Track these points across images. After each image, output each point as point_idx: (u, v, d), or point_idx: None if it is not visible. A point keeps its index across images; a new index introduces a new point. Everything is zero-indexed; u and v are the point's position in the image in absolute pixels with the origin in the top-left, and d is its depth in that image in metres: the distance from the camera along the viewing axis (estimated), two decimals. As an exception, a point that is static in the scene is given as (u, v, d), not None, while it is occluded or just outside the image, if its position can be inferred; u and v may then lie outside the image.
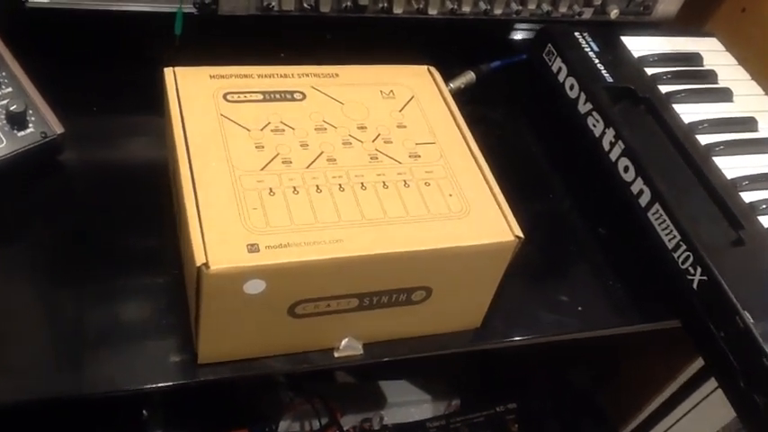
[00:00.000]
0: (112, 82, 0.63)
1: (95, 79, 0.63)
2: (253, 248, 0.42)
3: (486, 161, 0.51)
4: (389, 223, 0.45)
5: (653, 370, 0.87)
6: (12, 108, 0.51)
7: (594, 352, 0.87)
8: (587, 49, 0.70)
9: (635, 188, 0.60)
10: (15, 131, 0.51)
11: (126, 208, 0.55)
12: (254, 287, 0.42)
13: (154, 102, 0.52)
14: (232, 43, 0.62)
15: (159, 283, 0.51)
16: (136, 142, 0.61)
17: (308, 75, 0.54)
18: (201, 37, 0.61)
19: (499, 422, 0.89)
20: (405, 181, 0.48)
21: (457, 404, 1.00)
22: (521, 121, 0.72)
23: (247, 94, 0.51)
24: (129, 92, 0.61)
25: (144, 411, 0.78)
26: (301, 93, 0.52)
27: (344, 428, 0.90)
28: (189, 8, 0.61)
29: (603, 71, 0.68)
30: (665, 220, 0.57)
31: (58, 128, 0.53)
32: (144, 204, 0.55)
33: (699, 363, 0.79)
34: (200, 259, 0.41)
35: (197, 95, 0.50)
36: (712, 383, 0.79)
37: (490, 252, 0.47)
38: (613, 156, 0.62)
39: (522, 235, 0.47)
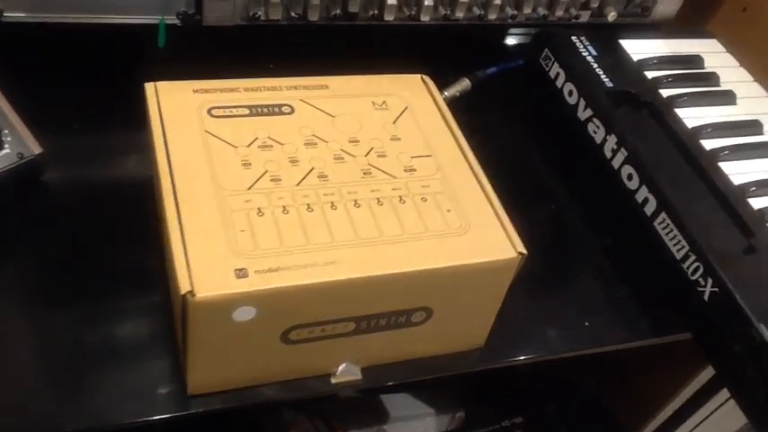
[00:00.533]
0: (94, 98, 0.60)
1: (76, 95, 0.60)
2: (241, 273, 0.39)
3: (485, 173, 0.49)
4: (385, 243, 0.43)
5: (662, 378, 0.85)
6: (-15, 129, 0.48)
7: (602, 361, 0.84)
8: (585, 54, 0.68)
9: (640, 196, 0.58)
10: (-10, 153, 0.49)
11: (111, 230, 0.53)
12: (244, 314, 0.40)
13: (138, 118, 0.50)
14: (218, 55, 0.60)
15: (146, 308, 0.49)
16: (121, 160, 0.58)
17: (296, 87, 0.51)
18: (186, 49, 0.59)
19: (505, 438, 0.87)
20: (400, 197, 0.46)
21: (461, 416, 0.98)
22: (518, 129, 0.70)
23: (233, 109, 0.48)
24: (112, 108, 0.59)
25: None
26: (290, 106, 0.50)
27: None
28: (172, 19, 0.59)
29: (603, 76, 0.66)
30: (672, 230, 0.55)
31: (35, 148, 0.51)
32: (130, 226, 0.52)
33: (710, 371, 0.77)
34: (184, 287, 0.38)
35: (180, 111, 0.47)
36: (724, 394, 0.77)
37: (492, 270, 0.45)
38: (616, 163, 0.60)
39: (525, 251, 0.45)
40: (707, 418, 0.80)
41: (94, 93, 0.61)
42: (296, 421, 0.91)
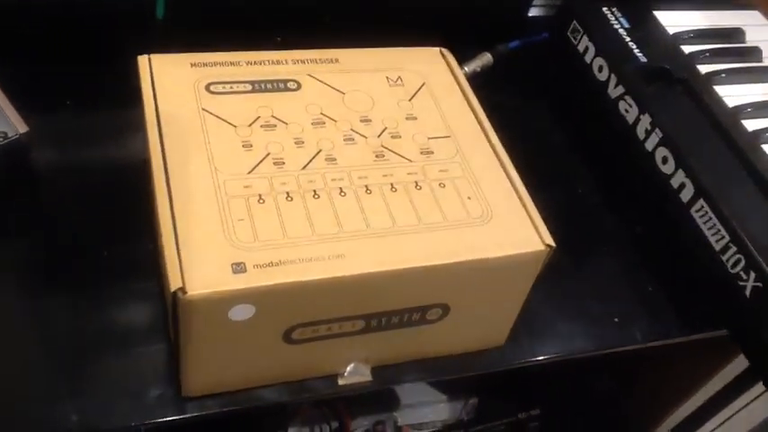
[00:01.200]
0: (88, 74, 0.56)
1: (68, 72, 0.56)
2: (239, 268, 0.35)
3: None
4: (399, 233, 0.39)
5: (681, 376, 0.81)
6: (-33, 107, 0.45)
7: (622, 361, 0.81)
8: (617, 26, 0.63)
9: (675, 181, 0.54)
10: (-27, 133, 0.45)
11: (102, 216, 0.49)
12: (242, 313, 0.36)
13: (133, 94, 0.46)
14: (221, 27, 0.55)
15: (139, 303, 0.45)
16: (115, 140, 0.54)
17: (303, 61, 0.47)
18: (187, 20, 0.55)
19: (521, 429, 0.83)
20: (416, 182, 0.42)
21: (474, 403, 0.95)
22: (543, 108, 0.66)
23: (234, 85, 0.44)
24: (107, 84, 0.55)
25: None
26: (296, 82, 0.46)
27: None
28: (171, -12, 0.55)
29: (636, 50, 0.61)
30: (710, 218, 0.51)
31: (21, 127, 0.47)
32: (122, 211, 0.49)
33: (738, 363, 0.74)
34: (175, 283, 0.34)
35: (175, 86, 0.43)
36: (749, 393, 0.73)
37: (517, 264, 0.41)
38: (650, 145, 0.56)
39: (553, 243, 0.41)
40: (729, 418, 0.77)
41: (89, 69, 0.57)
42: (301, 408, 0.88)
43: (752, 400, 0.74)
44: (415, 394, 0.95)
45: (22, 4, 0.53)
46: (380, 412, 0.92)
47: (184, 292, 0.34)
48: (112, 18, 0.56)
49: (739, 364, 0.72)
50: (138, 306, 0.45)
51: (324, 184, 0.40)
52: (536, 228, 0.41)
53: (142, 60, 0.44)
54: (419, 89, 0.48)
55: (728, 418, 0.77)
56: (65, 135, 0.53)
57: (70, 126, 0.54)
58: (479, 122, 0.46)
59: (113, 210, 0.49)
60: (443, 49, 0.51)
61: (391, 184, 0.41)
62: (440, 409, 0.96)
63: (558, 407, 0.87)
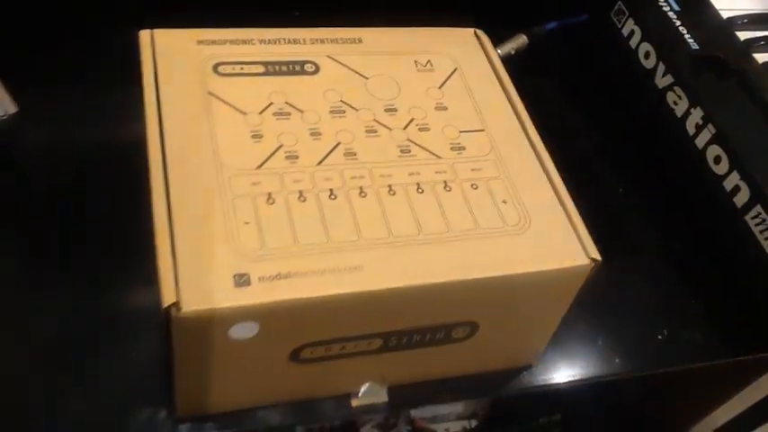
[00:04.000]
0: (83, 50, 0.52)
1: (61, 48, 0.52)
2: (242, 281, 0.31)
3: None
4: (425, 242, 0.34)
5: (708, 390, 0.77)
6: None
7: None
8: (666, 8, 0.59)
9: (728, 184, 0.50)
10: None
11: (95, 206, 0.45)
12: (244, 331, 0.32)
13: (132, 73, 0.42)
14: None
15: (131, 308, 0.41)
16: (110, 122, 0.50)
17: (323, 40, 0.42)
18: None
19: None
20: (445, 182, 0.37)
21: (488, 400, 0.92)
22: (581, 97, 0.61)
23: (244, 66, 0.40)
24: (104, 61, 0.51)
25: None
26: (314, 64, 0.41)
27: (370, 426, 0.83)
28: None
29: (687, 35, 0.57)
30: (768, 226, 0.46)
31: (10, 107, 0.43)
32: (117, 201, 0.44)
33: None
34: (168, 298, 0.30)
35: (179, 66, 0.39)
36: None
37: (557, 279, 0.36)
38: (700, 142, 0.52)
39: (598, 257, 0.36)
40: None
41: (85, 44, 0.53)
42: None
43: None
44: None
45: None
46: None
47: (179, 309, 0.30)
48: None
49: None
50: (131, 317, 0.41)
51: (342, 183, 0.36)
52: (580, 239, 0.36)
53: (144, 35, 0.40)
54: (450, 75, 0.43)
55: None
56: (57, 115, 0.48)
57: (65, 106, 0.49)
58: (518, 115, 0.41)
59: (107, 200, 0.45)
60: (478, 31, 0.46)
61: (417, 185, 0.37)
62: (456, 404, 0.93)
63: (580, 416, 0.83)
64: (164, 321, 0.31)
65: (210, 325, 0.31)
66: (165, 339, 0.32)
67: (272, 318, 0.32)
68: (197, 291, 0.30)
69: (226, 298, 0.30)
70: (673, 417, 0.83)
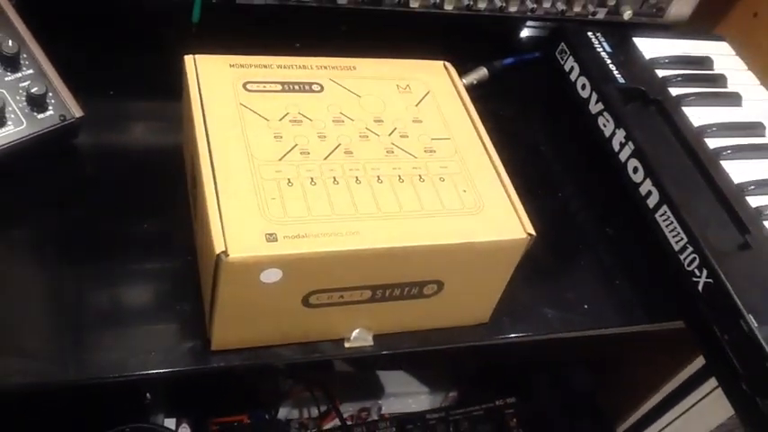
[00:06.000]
0: (129, 67, 0.63)
1: (111, 63, 0.63)
2: (271, 238, 0.42)
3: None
4: (405, 217, 0.46)
5: (648, 371, 0.88)
6: (33, 90, 0.51)
7: (594, 349, 0.87)
8: (600, 50, 0.70)
9: (643, 189, 0.61)
10: (35, 114, 0.51)
11: (139, 193, 0.55)
12: (271, 276, 0.43)
13: (170, 87, 0.53)
14: (247, 31, 0.62)
15: (172, 268, 0.52)
16: (151, 128, 0.61)
17: (326, 67, 0.54)
18: (218, 24, 0.61)
19: (498, 416, 0.90)
20: (420, 175, 0.49)
21: (454, 396, 1.01)
22: (532, 119, 0.73)
23: (267, 84, 0.51)
24: (145, 77, 0.62)
25: (147, 395, 0.79)
26: (319, 84, 0.52)
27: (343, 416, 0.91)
28: (207, -4, 0.61)
29: (615, 72, 0.68)
30: (672, 222, 0.58)
31: (77, 111, 0.53)
32: (158, 190, 0.55)
33: (698, 362, 0.80)
34: (219, 247, 0.41)
35: (217, 84, 0.50)
36: (710, 384, 0.80)
37: (502, 249, 0.48)
38: (623, 156, 0.63)
39: (533, 232, 0.48)
40: (692, 406, 0.84)
41: (129, 62, 0.63)
42: (294, 390, 0.94)
43: (705, 395, 0.81)
44: (399, 385, 1.01)
45: None
46: (366, 400, 0.98)
47: (226, 255, 0.41)
48: (154, 19, 0.63)
49: (700, 361, 0.79)
50: (172, 275, 0.51)
51: (342, 173, 0.47)
52: (519, 218, 0.48)
53: (188, 60, 0.51)
54: (424, 96, 0.54)
55: (693, 405, 0.83)
56: (109, 120, 0.59)
57: (112, 112, 0.60)
58: (475, 128, 0.53)
59: (150, 188, 0.56)
60: (447, 63, 0.58)
61: (399, 176, 0.48)
62: (421, 399, 1.01)
63: (535, 396, 0.93)
64: (213, 266, 0.42)
65: (248, 269, 0.42)
66: (212, 283, 0.43)
67: (293, 266, 0.43)
68: (240, 243, 0.42)
69: (261, 249, 0.42)
70: (615, 403, 0.94)
